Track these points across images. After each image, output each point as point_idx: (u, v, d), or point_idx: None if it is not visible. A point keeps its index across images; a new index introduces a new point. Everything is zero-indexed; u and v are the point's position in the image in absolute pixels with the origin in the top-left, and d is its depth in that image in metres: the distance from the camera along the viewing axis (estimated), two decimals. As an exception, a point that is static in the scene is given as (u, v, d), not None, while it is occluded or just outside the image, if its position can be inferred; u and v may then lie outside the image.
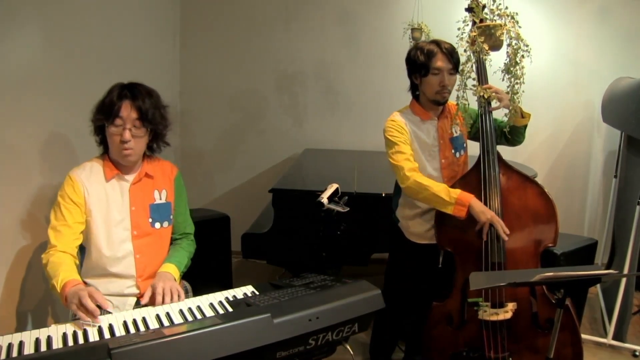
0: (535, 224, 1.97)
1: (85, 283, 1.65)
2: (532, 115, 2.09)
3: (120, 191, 1.76)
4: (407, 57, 2.13)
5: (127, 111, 1.66)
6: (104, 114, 1.68)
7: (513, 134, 2.11)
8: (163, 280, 1.66)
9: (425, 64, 2.03)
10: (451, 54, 2.03)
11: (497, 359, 1.95)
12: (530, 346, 1.96)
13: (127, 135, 1.66)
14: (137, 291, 1.76)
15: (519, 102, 1.97)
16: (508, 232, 1.92)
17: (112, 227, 1.73)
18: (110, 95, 1.69)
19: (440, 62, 2.01)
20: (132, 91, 1.69)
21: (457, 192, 1.96)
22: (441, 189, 1.97)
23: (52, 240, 1.66)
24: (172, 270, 1.75)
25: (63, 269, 1.57)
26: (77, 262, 1.70)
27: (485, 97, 1.99)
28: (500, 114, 2.12)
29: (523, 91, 1.96)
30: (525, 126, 2.10)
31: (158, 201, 1.82)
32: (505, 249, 1.95)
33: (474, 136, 2.25)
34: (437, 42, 2.06)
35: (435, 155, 2.15)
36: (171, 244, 1.92)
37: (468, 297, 1.98)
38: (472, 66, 1.97)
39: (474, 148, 2.26)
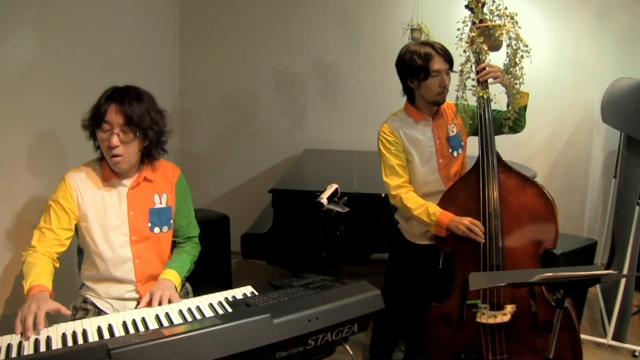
0: (535, 225, 1.96)
1: (51, 294, 1.54)
2: (532, 116, 2.09)
3: (118, 196, 1.73)
4: (399, 61, 2.10)
5: (113, 115, 1.60)
6: (92, 118, 1.64)
7: (515, 119, 2.05)
8: (162, 288, 1.63)
9: (424, 67, 2.01)
10: (446, 53, 2.02)
11: (495, 361, 1.95)
12: (529, 347, 1.95)
13: (114, 140, 1.61)
14: (137, 295, 1.74)
15: (519, 96, 1.97)
16: (482, 234, 1.93)
17: (109, 232, 1.70)
18: (100, 99, 1.65)
19: (438, 64, 2.00)
20: (120, 94, 1.63)
21: (437, 214, 1.99)
22: (422, 211, 2.01)
23: (34, 241, 1.64)
24: (172, 277, 1.73)
25: (35, 271, 1.53)
26: (57, 265, 1.65)
27: (485, 97, 1.99)
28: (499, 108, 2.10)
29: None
30: (525, 108, 2.04)
31: (158, 205, 1.78)
32: (503, 250, 1.95)
33: (474, 132, 2.25)
34: (430, 44, 2.04)
35: (432, 156, 2.15)
36: (175, 247, 1.90)
37: (467, 298, 1.98)
38: (471, 66, 1.96)
39: (473, 149, 2.27)
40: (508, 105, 2.04)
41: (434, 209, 2.01)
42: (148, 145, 1.71)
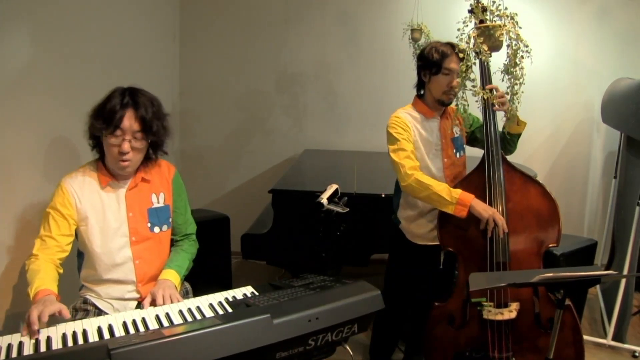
0: (538, 223, 1.98)
1: (57, 297, 1.54)
2: (532, 116, 2.10)
3: (116, 198, 1.72)
4: (420, 53, 2.16)
5: (130, 122, 1.60)
6: (105, 122, 1.60)
7: (506, 142, 2.12)
8: (163, 287, 1.64)
9: (438, 62, 2.05)
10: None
11: (500, 359, 1.95)
12: (532, 346, 1.96)
13: (126, 146, 1.60)
14: (138, 295, 1.75)
15: (518, 103, 1.97)
16: (506, 230, 1.92)
17: (109, 234, 1.70)
18: (111, 102, 1.61)
19: (453, 63, 2.04)
20: (134, 99, 1.62)
21: (458, 192, 1.96)
22: (442, 189, 1.97)
23: (36, 249, 1.63)
24: (172, 277, 1.73)
25: (39, 277, 1.53)
26: (61, 270, 1.65)
27: (485, 97, 1.99)
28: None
29: (522, 92, 1.96)
30: (519, 135, 2.11)
31: (156, 205, 1.78)
32: (509, 248, 1.96)
33: (469, 140, 2.27)
34: (452, 45, 2.08)
35: (438, 154, 2.16)
36: (172, 245, 1.90)
37: (471, 297, 1.98)
38: (471, 67, 1.96)
39: (474, 150, 2.27)
40: (503, 128, 2.11)
41: (453, 188, 1.99)
42: (150, 147, 1.73)
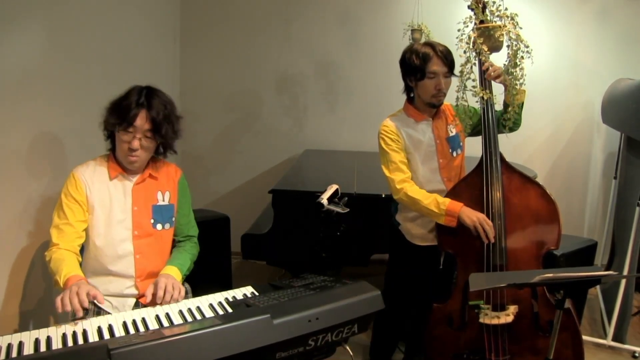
0: (537, 225, 1.96)
1: (87, 282, 1.64)
2: (532, 116, 2.10)
3: (123, 190, 1.77)
4: (401, 59, 2.12)
5: (142, 121, 1.66)
6: (119, 118, 1.67)
7: (509, 119, 2.03)
8: (165, 277, 1.66)
9: (420, 67, 2.01)
10: (446, 56, 2.02)
11: (497, 362, 1.95)
12: (531, 348, 1.95)
13: (135, 144, 1.67)
14: (136, 292, 1.76)
15: (517, 95, 1.96)
16: (493, 236, 1.91)
17: (113, 226, 1.73)
18: (128, 100, 1.67)
19: (435, 65, 2.00)
20: (149, 100, 1.68)
21: (446, 203, 1.96)
22: (430, 202, 1.99)
23: (54, 239, 1.68)
24: (173, 273, 1.74)
25: (66, 265, 1.60)
26: (80, 259, 1.71)
27: (485, 98, 1.99)
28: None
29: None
30: (522, 106, 2.03)
31: (161, 202, 1.82)
32: (506, 251, 1.95)
33: (472, 132, 2.25)
34: (431, 45, 2.04)
35: (432, 156, 2.15)
36: (174, 246, 1.92)
37: (469, 299, 1.98)
38: (471, 67, 1.96)
39: (473, 150, 2.27)
40: (505, 106, 2.03)
41: (442, 199, 1.99)
42: (159, 146, 1.78)
